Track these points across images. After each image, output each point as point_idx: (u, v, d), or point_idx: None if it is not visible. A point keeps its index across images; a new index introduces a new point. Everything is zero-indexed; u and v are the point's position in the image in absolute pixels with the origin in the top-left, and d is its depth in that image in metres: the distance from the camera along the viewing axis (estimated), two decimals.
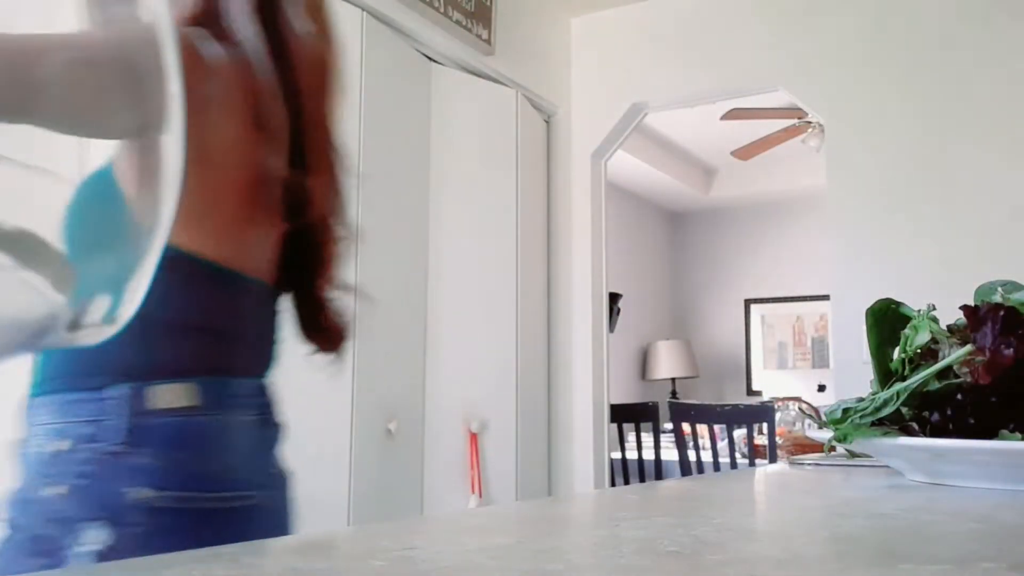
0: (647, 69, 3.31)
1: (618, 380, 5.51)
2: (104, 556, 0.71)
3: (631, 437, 4.08)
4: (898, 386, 0.69)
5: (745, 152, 4.83)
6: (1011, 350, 0.65)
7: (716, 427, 3.73)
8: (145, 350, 0.77)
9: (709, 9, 3.19)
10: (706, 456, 3.74)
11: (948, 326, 0.72)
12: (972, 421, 0.67)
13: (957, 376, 0.67)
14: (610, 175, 3.66)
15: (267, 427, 0.88)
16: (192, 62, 0.78)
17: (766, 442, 3.48)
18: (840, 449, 0.74)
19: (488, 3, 2.95)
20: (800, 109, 3.85)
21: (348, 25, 2.36)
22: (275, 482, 0.88)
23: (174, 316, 0.79)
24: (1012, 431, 0.65)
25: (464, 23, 2.82)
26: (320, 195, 0.90)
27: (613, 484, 3.92)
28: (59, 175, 0.27)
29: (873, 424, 0.69)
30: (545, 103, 3.29)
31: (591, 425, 3.26)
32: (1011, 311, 0.67)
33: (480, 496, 2.70)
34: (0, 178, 0.25)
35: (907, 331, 0.73)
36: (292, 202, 0.87)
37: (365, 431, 2.30)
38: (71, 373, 0.80)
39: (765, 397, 5.81)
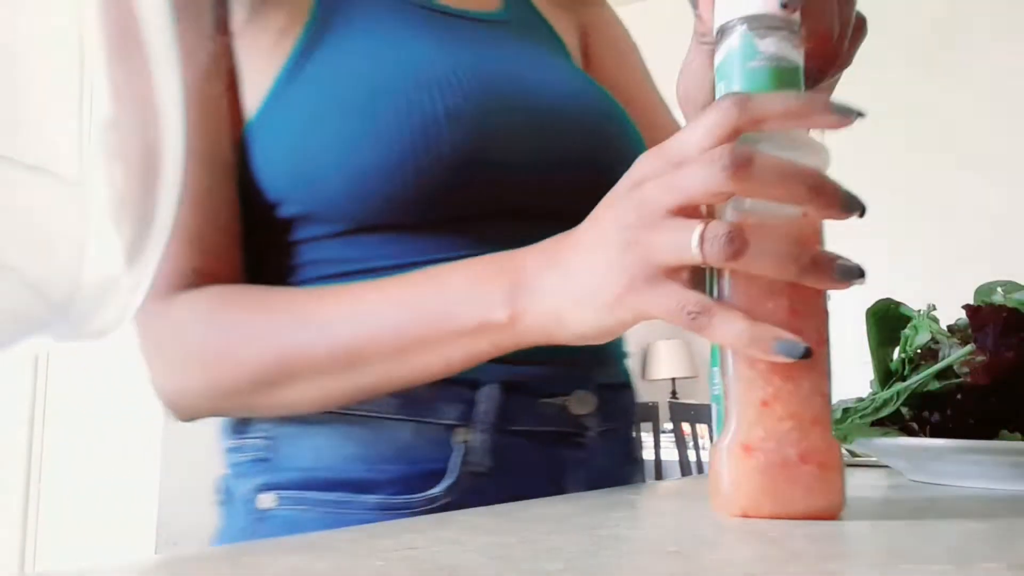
0: None
1: None
2: None
3: None
4: (898, 386, 0.69)
5: None
6: (1012, 352, 0.65)
7: None
8: None
9: None
10: (706, 456, 3.74)
11: (948, 326, 0.72)
12: (972, 421, 0.67)
13: (957, 376, 0.67)
14: None
15: None
16: None
17: None
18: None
19: None
20: None
21: None
22: None
23: None
24: (1012, 431, 0.65)
25: None
26: None
27: None
28: (59, 175, 0.27)
29: (873, 424, 0.69)
30: None
31: None
32: (1013, 312, 0.67)
33: None
34: (0, 178, 0.25)
35: (907, 331, 0.73)
36: None
37: None
38: None
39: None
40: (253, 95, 0.69)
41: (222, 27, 0.69)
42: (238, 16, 0.70)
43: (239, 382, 0.63)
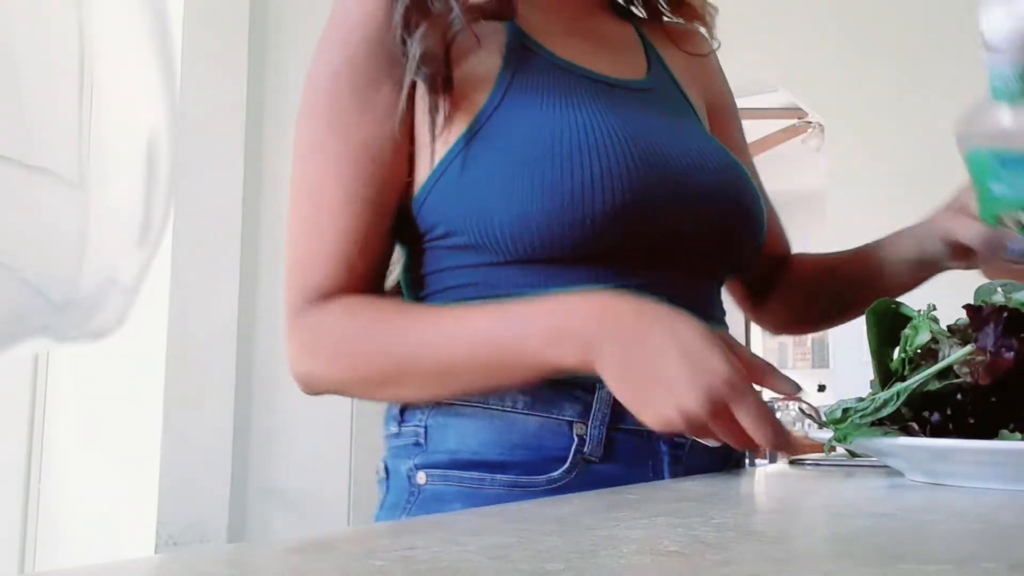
0: None
1: None
2: None
3: None
4: (898, 386, 0.69)
5: None
6: (1012, 352, 0.65)
7: None
8: None
9: None
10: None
11: (948, 326, 0.72)
12: (972, 421, 0.67)
13: (957, 376, 0.67)
14: None
15: None
16: None
17: None
18: (840, 449, 0.74)
19: None
20: (800, 109, 3.85)
21: None
22: None
23: None
24: (1012, 431, 0.65)
25: None
26: None
27: None
28: (59, 175, 0.27)
29: (873, 424, 0.69)
30: None
31: None
32: (1014, 313, 0.67)
33: None
34: (0, 178, 0.25)
35: (907, 331, 0.73)
36: None
37: (365, 430, 2.30)
38: None
39: (765, 397, 5.81)
40: (441, 148, 0.83)
41: (410, 102, 0.84)
42: (427, 90, 0.83)
43: (358, 377, 0.81)
